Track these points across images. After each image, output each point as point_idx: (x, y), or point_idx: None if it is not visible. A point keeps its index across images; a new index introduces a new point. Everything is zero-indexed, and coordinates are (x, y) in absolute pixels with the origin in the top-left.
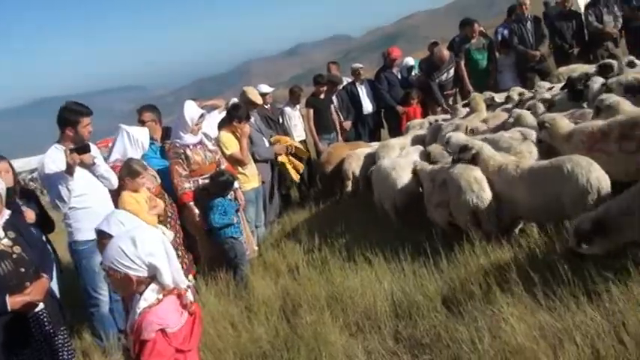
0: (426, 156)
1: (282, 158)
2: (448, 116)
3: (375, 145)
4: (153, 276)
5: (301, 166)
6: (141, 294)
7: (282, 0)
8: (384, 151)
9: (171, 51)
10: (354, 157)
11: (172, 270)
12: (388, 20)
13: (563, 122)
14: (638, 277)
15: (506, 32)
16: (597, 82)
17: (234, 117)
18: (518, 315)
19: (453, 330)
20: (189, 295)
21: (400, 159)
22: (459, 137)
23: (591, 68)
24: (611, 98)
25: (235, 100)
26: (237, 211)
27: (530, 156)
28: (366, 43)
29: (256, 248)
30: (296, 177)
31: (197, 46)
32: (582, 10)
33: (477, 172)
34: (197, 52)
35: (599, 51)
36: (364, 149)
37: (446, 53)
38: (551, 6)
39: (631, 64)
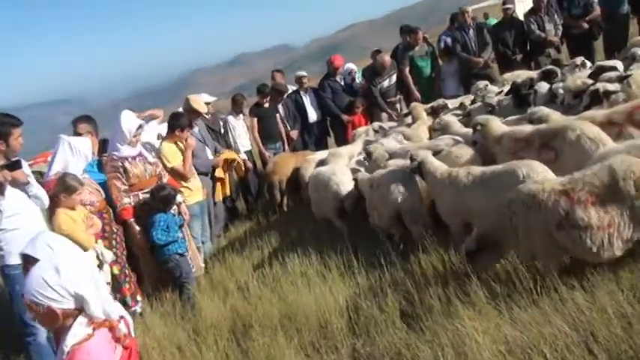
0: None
1: (219, 172)
2: (394, 123)
3: (322, 153)
4: (80, 308)
5: (225, 189)
6: (68, 329)
7: (223, 11)
8: (333, 159)
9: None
10: (311, 163)
11: (102, 300)
12: (329, 31)
13: (495, 124)
14: (602, 285)
15: (449, 40)
16: (543, 87)
17: (175, 126)
18: (482, 329)
19: (415, 347)
20: (123, 327)
21: (338, 165)
22: (390, 145)
23: (535, 74)
24: (542, 111)
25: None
26: (181, 226)
27: (469, 157)
28: (309, 53)
29: (203, 265)
30: (219, 197)
31: (139, 57)
32: (522, 17)
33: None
34: (139, 63)
35: (541, 58)
36: (317, 156)
37: (387, 60)
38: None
39: (583, 65)
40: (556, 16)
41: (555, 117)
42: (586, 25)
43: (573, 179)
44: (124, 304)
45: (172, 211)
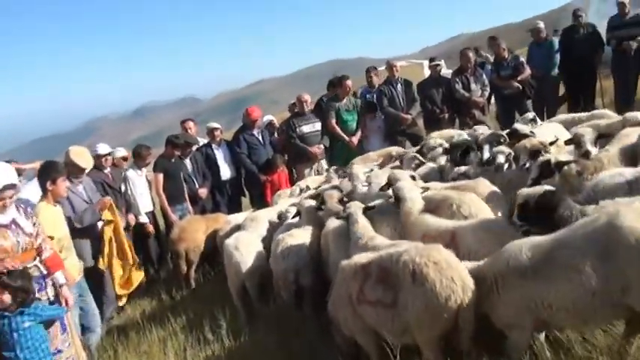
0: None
1: (107, 215)
2: (320, 178)
3: (239, 217)
4: None
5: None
6: None
7: (131, 58)
8: (252, 226)
9: (10, 106)
10: (228, 225)
11: None
12: (237, 85)
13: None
14: None
15: (374, 96)
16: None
17: (46, 178)
18: None
19: None
20: None
21: (246, 234)
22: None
23: (461, 134)
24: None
25: None
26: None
27: None
28: (216, 105)
29: None
30: (103, 264)
31: (40, 103)
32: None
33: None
34: (39, 109)
35: (465, 118)
36: (233, 219)
37: (309, 102)
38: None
39: (534, 120)
40: (484, 76)
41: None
42: (517, 85)
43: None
44: None
45: (43, 299)
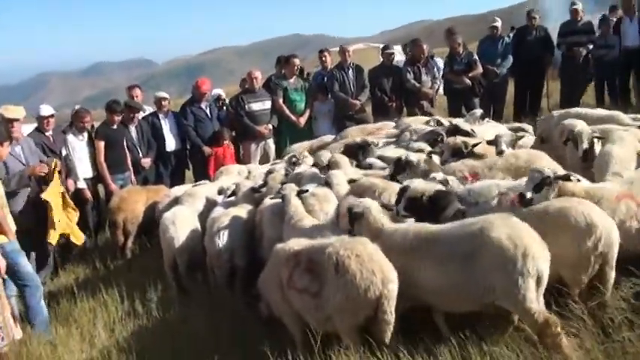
0: None
1: (47, 195)
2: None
3: (180, 189)
4: None
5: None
6: None
7: (83, 15)
8: (188, 201)
9: None
10: (168, 198)
11: None
12: (193, 51)
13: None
14: None
15: (325, 79)
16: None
17: None
18: None
19: None
20: None
21: (184, 209)
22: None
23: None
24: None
25: None
26: None
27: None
28: (169, 70)
29: (18, 334)
30: (52, 238)
31: None
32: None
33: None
34: None
35: (414, 109)
36: (174, 192)
37: (259, 79)
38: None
39: (482, 117)
40: (435, 69)
41: None
42: (468, 81)
43: None
44: None
45: None
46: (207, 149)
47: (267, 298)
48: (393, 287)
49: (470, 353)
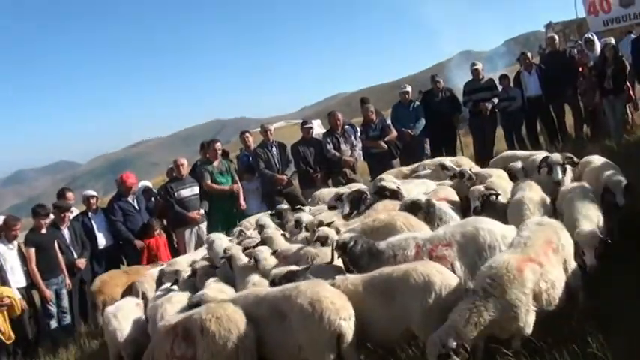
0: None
1: None
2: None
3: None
4: None
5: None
6: None
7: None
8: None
9: None
10: (149, 277)
11: None
12: (115, 147)
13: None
14: None
15: (250, 158)
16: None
17: None
18: None
19: None
20: None
21: (126, 301)
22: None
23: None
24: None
25: None
26: None
27: None
28: (94, 169)
29: None
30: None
31: None
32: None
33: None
34: None
35: (338, 177)
36: (155, 271)
37: (185, 166)
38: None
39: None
40: (353, 137)
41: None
42: (385, 146)
43: None
44: None
45: None
46: (139, 242)
47: None
48: (249, 341)
49: None
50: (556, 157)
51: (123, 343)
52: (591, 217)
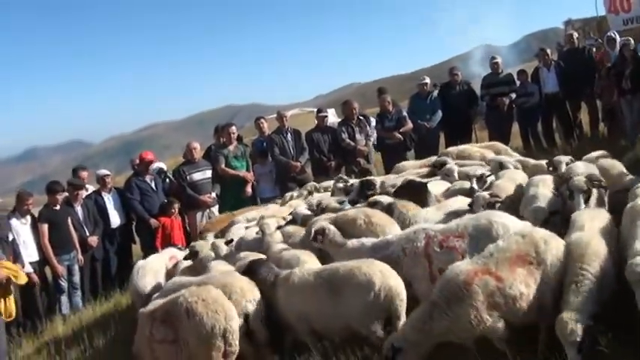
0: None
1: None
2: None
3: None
4: None
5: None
6: None
7: (15, 101)
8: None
9: None
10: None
11: None
12: (128, 129)
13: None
14: None
15: (265, 144)
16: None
17: None
18: None
19: None
20: None
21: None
22: None
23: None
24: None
25: None
26: None
27: None
28: (106, 149)
29: None
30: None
31: None
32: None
33: None
34: None
35: (351, 166)
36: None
37: (198, 149)
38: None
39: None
40: (368, 127)
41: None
42: (400, 137)
43: None
44: None
45: None
46: (154, 222)
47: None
48: (234, 323)
49: None
50: (579, 181)
51: (144, 298)
52: None
